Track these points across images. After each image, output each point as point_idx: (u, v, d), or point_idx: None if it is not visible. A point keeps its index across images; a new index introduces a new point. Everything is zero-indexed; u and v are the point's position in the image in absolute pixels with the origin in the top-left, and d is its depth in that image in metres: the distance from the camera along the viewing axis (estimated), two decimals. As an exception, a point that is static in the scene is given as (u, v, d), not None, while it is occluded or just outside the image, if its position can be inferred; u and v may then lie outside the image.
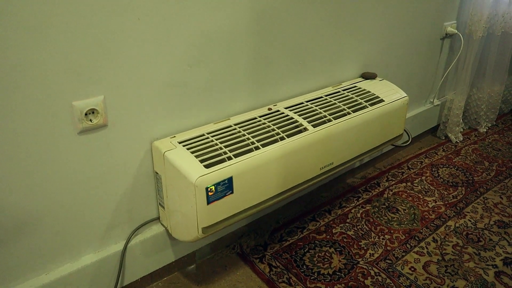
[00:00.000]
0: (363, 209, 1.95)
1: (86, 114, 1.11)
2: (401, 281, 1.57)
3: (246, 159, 1.25)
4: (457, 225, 1.89)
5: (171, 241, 1.45)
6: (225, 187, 1.22)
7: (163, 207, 1.35)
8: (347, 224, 1.85)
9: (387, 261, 1.67)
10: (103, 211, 1.26)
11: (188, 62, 1.26)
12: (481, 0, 2.21)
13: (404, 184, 2.16)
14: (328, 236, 1.78)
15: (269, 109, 1.52)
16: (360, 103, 1.64)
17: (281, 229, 1.80)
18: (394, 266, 1.64)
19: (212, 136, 1.31)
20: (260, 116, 1.46)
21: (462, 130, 2.65)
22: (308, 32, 1.56)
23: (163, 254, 1.45)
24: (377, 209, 1.96)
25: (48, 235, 1.17)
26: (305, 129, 1.43)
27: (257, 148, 1.30)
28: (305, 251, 1.69)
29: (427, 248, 1.75)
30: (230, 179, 1.22)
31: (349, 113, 1.57)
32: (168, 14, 1.16)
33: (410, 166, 2.32)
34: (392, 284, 1.56)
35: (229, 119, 1.43)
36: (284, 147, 1.34)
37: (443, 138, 2.61)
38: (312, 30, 1.57)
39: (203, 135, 1.32)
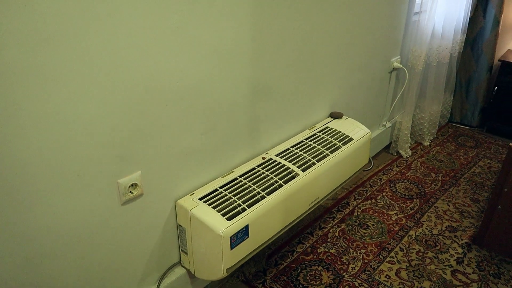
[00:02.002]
0: (340, 228, 2.28)
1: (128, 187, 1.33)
2: (380, 289, 1.91)
3: (256, 208, 1.52)
4: (417, 233, 2.27)
5: (191, 280, 1.69)
6: (243, 233, 1.48)
7: (186, 253, 1.59)
8: (328, 243, 2.17)
9: (366, 272, 2.00)
10: (138, 263, 1.48)
11: (201, 131, 1.51)
12: (419, 38, 2.62)
13: (369, 201, 2.51)
14: (315, 256, 2.08)
15: (263, 158, 1.80)
16: (335, 144, 1.96)
17: (274, 254, 2.08)
18: (373, 276, 1.98)
19: (224, 190, 1.57)
20: (257, 166, 1.73)
21: (410, 145, 3.07)
22: (288, 89, 1.85)
23: (185, 291, 1.68)
24: (350, 227, 2.29)
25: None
26: (297, 174, 1.72)
27: (263, 197, 1.57)
28: (298, 272, 1.98)
29: (396, 257, 2.10)
30: (246, 227, 1.48)
31: (328, 155, 1.88)
32: (188, 98, 1.41)
33: (371, 184, 2.68)
34: (374, 292, 1.89)
35: (233, 171, 1.69)
36: (283, 193, 1.62)
37: (395, 154, 3.01)
38: (291, 87, 1.86)
39: (217, 189, 1.57)
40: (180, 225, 1.55)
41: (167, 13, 1.23)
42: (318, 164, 1.81)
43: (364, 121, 2.61)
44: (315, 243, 2.17)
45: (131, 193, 1.35)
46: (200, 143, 1.52)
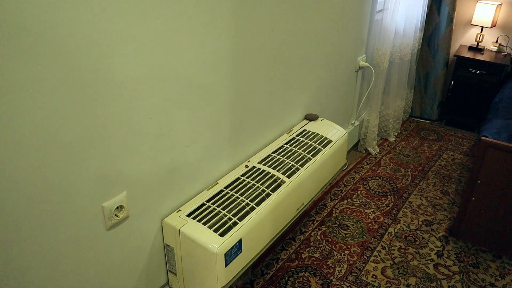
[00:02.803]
0: (320, 231, 2.25)
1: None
2: (369, 290, 1.90)
3: (248, 221, 1.45)
4: (396, 230, 2.28)
5: (179, 300, 1.59)
6: (237, 248, 1.41)
7: (174, 274, 1.50)
8: (312, 248, 2.13)
9: (353, 274, 1.98)
10: (126, 290, 1.37)
11: (185, 144, 1.42)
12: (384, 37, 2.65)
13: (346, 201, 2.51)
14: (300, 262, 2.04)
15: (246, 166, 1.73)
16: (315, 147, 1.92)
17: (259, 264, 2.02)
18: (360, 277, 1.97)
19: (212, 204, 1.49)
20: (242, 175, 1.66)
21: (376, 142, 3.11)
22: (266, 94, 1.80)
23: (174, 314, 1.58)
24: (331, 228, 2.27)
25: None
26: (283, 182, 1.67)
27: (252, 208, 1.51)
28: (286, 280, 1.94)
29: (379, 255, 2.10)
30: (240, 241, 1.41)
31: (310, 159, 1.84)
32: (172, 112, 1.32)
33: (345, 183, 2.69)
34: (364, 294, 1.88)
35: (217, 183, 1.61)
36: (272, 202, 1.57)
37: (364, 151, 3.04)
38: (269, 93, 1.81)
39: (204, 204, 1.49)
40: (167, 245, 1.45)
41: (150, 18, 1.14)
42: (302, 169, 1.77)
43: (335, 121, 2.61)
44: (298, 249, 2.13)
45: (117, 216, 1.24)
46: (184, 156, 1.44)
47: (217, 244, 1.34)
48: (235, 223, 1.43)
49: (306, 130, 2.07)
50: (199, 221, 1.41)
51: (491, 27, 3.27)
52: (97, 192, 1.16)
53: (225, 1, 1.39)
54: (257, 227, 1.50)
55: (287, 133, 2.03)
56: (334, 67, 2.36)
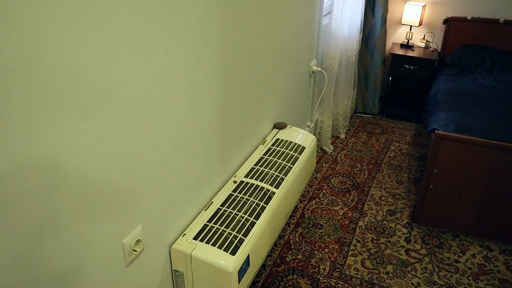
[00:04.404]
0: (298, 233, 2.36)
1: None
2: (354, 282, 2.03)
3: (252, 236, 1.50)
4: (365, 223, 2.45)
5: (186, 322, 1.60)
6: (246, 264, 1.46)
7: (183, 297, 1.51)
8: (293, 250, 2.23)
9: (337, 270, 2.11)
10: (142, 322, 1.36)
11: (186, 168, 1.44)
12: (332, 41, 2.80)
13: (314, 201, 2.64)
14: (286, 266, 2.13)
15: (235, 182, 1.77)
16: (293, 155, 2.01)
17: (248, 273, 2.08)
18: (344, 272, 2.09)
19: (214, 224, 1.52)
20: (233, 192, 1.71)
21: (330, 140, 3.28)
22: (244, 110, 1.85)
23: (183, 337, 1.59)
24: (307, 229, 2.38)
25: None
26: (273, 193, 1.74)
27: (252, 223, 1.56)
28: (277, 285, 2.01)
29: (356, 249, 2.25)
30: (248, 257, 1.46)
31: (291, 167, 1.93)
32: (175, 137, 1.33)
33: (310, 184, 2.82)
34: (351, 287, 2.01)
35: (212, 202, 1.64)
36: (268, 214, 1.63)
37: (319, 151, 3.20)
38: (246, 108, 1.86)
39: (207, 225, 1.52)
40: (176, 270, 1.46)
41: (156, 50, 1.15)
42: (286, 178, 1.85)
43: (295, 125, 2.72)
44: (281, 253, 2.21)
45: (135, 251, 1.23)
46: (185, 180, 1.45)
47: (231, 263, 1.37)
48: (241, 240, 1.47)
49: (279, 139, 2.15)
50: (207, 242, 1.43)
51: (418, 26, 3.58)
52: (115, 231, 1.15)
53: (213, 33, 1.42)
54: (259, 240, 1.55)
55: (262, 144, 2.09)
56: (293, 75, 2.47)
